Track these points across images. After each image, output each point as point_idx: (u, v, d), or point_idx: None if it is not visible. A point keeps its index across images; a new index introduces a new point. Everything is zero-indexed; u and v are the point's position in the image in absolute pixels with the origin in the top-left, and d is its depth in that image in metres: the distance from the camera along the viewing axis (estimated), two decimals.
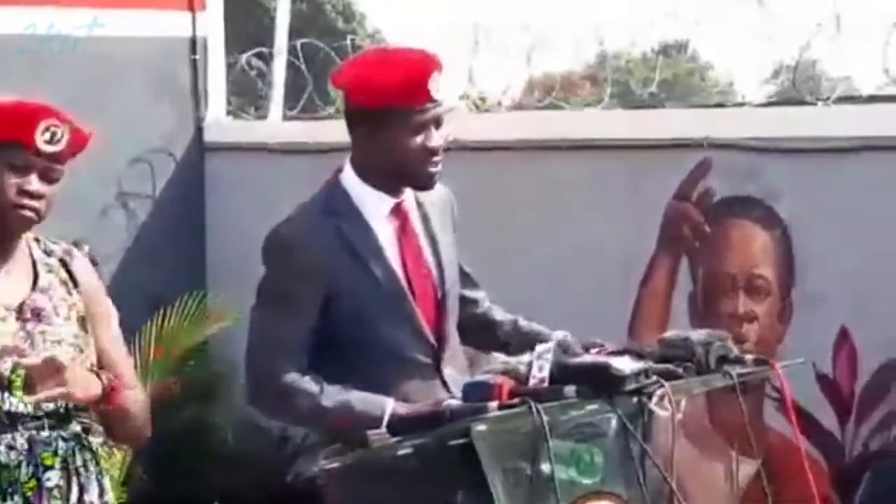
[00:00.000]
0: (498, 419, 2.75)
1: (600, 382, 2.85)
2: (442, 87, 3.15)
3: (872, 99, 5.09)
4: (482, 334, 3.38)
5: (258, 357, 3.17)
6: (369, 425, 2.92)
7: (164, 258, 7.47)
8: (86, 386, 2.91)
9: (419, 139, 3.13)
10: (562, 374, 2.86)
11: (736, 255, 5.19)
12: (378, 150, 3.16)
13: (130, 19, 7.48)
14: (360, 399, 3.06)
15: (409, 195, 3.25)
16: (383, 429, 2.89)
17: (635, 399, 2.88)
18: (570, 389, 2.81)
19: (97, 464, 3.04)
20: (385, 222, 3.21)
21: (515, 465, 2.80)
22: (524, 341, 3.20)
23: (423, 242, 3.27)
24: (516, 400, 2.78)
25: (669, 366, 2.96)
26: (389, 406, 3.02)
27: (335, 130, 7.21)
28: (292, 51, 7.93)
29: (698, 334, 3.05)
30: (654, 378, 2.89)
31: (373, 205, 3.21)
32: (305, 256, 3.13)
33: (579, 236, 5.73)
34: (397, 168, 3.17)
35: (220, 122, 7.96)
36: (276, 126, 7.88)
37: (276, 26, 8.29)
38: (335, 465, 2.89)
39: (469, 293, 3.40)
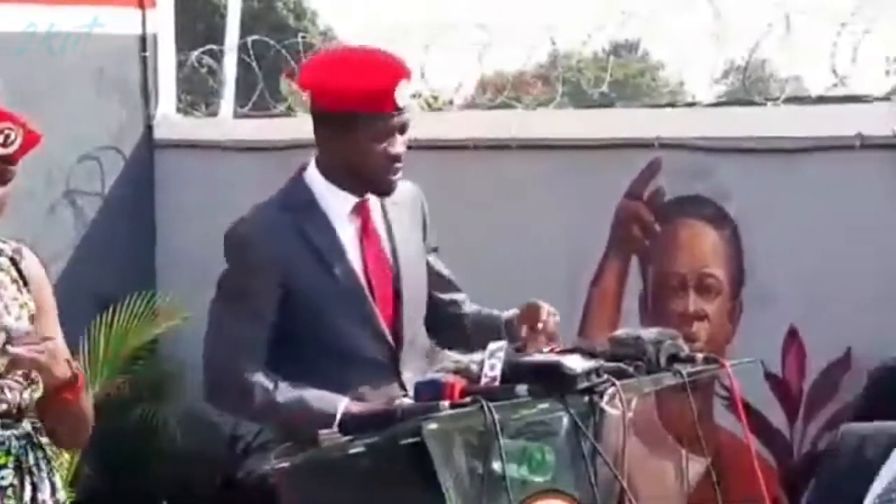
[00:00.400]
0: (449, 418, 2.75)
1: (552, 381, 2.86)
2: (406, 94, 3.16)
3: (821, 100, 5.12)
4: (456, 334, 3.38)
5: (215, 353, 3.16)
6: (323, 423, 2.92)
7: (114, 256, 7.43)
8: (60, 365, 2.89)
9: (382, 146, 3.15)
10: (513, 372, 2.86)
11: (686, 255, 5.22)
12: (341, 153, 3.17)
13: (80, 16, 7.43)
14: (315, 397, 3.06)
15: (369, 197, 3.26)
16: (335, 428, 2.89)
17: (586, 398, 2.89)
18: (521, 388, 2.81)
19: (48, 462, 3.04)
20: (347, 221, 3.23)
21: (467, 463, 2.80)
22: (479, 330, 3.24)
23: (385, 242, 3.28)
24: (468, 399, 2.78)
25: (620, 364, 2.97)
26: (343, 404, 3.03)
27: (286, 128, 7.25)
28: (243, 48, 7.90)
29: (649, 333, 3.06)
30: (605, 377, 2.90)
31: (335, 203, 3.22)
32: (263, 253, 3.14)
33: (530, 235, 5.74)
34: (358, 173, 3.18)
35: (170, 120, 7.92)
36: (226, 123, 7.85)
37: (226, 23, 8.25)
38: (286, 464, 2.87)
39: (446, 296, 3.41)
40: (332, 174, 3.21)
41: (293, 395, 3.08)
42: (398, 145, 3.16)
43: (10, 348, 2.83)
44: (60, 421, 3.03)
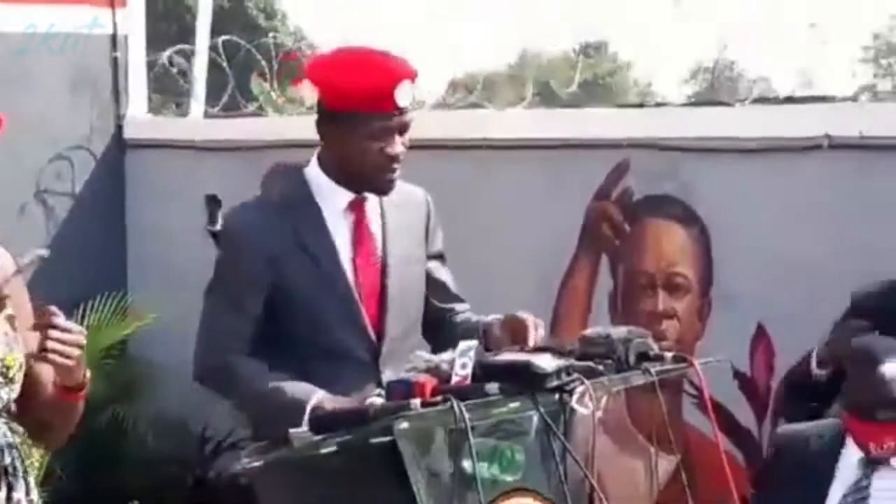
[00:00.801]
0: (420, 417, 2.75)
1: (522, 380, 2.87)
2: (409, 95, 3.20)
3: (789, 100, 5.15)
4: (445, 341, 3.39)
5: (203, 336, 3.26)
6: (293, 413, 2.96)
7: (84, 257, 7.39)
8: (81, 366, 2.89)
9: (380, 145, 3.19)
10: (484, 372, 2.87)
11: (655, 254, 5.23)
12: (340, 150, 3.21)
13: (50, 15, 7.40)
14: (292, 387, 3.10)
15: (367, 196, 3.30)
16: (305, 421, 2.92)
17: (556, 397, 2.90)
18: (492, 387, 2.82)
19: (22, 462, 3.03)
20: (341, 217, 3.27)
21: (437, 462, 2.80)
22: (463, 337, 3.27)
23: (378, 241, 3.31)
24: (439, 398, 2.79)
25: (590, 363, 2.98)
26: (316, 396, 3.05)
27: (257, 128, 7.24)
28: (214, 48, 7.89)
29: (618, 331, 3.07)
30: (575, 375, 2.91)
31: (331, 198, 3.25)
32: (253, 246, 3.19)
33: (500, 235, 5.75)
34: (356, 171, 3.22)
35: (140, 120, 7.89)
36: (197, 123, 7.82)
37: (197, 23, 8.23)
38: (257, 463, 2.88)
39: (444, 304, 3.44)
40: (331, 171, 3.25)
41: (273, 385, 3.11)
42: (397, 145, 3.20)
43: (50, 344, 2.79)
44: (58, 417, 3.02)
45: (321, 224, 3.23)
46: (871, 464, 3.34)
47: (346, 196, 3.26)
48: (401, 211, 3.36)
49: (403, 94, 3.18)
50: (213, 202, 6.50)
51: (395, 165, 3.22)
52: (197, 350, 3.29)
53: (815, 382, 3.60)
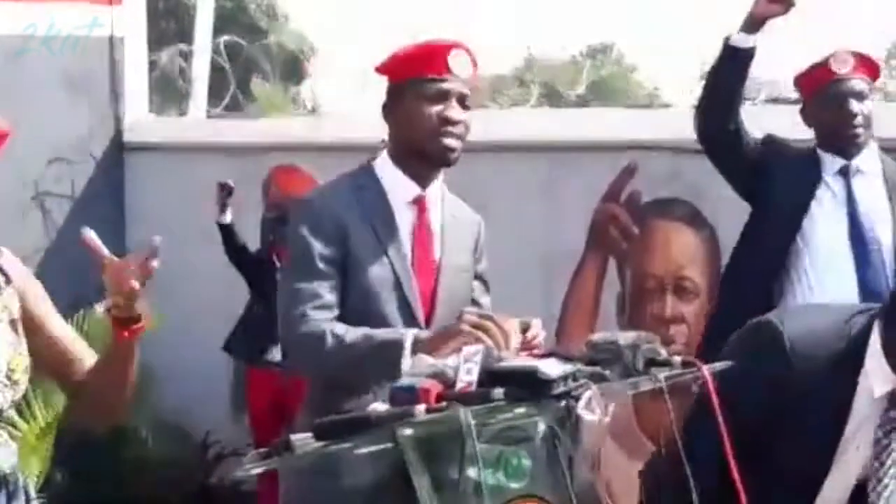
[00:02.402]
0: (425, 423, 2.72)
1: (528, 386, 2.83)
2: (465, 65, 3.21)
3: (798, 102, 5.12)
4: None
5: (288, 309, 3.19)
6: (392, 353, 3.00)
7: (84, 260, 7.33)
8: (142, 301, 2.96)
9: (435, 108, 3.20)
10: (489, 377, 2.84)
11: (663, 257, 5.21)
12: (401, 123, 3.25)
13: (49, 16, 7.38)
14: (383, 331, 3.13)
15: (435, 193, 3.33)
16: (407, 358, 2.98)
17: (563, 402, 2.87)
18: (497, 393, 2.79)
19: (22, 470, 3.01)
20: (405, 208, 3.28)
21: (442, 469, 2.77)
22: None
23: (436, 241, 3.32)
24: (443, 403, 2.75)
25: (597, 368, 2.94)
26: (411, 333, 3.09)
27: (259, 129, 7.20)
28: (215, 49, 7.88)
29: (626, 336, 3.04)
30: (582, 381, 2.87)
31: (398, 189, 3.27)
32: (328, 219, 3.19)
33: (506, 237, 5.72)
34: (415, 138, 3.22)
35: (140, 121, 7.87)
36: (198, 124, 7.81)
37: (197, 24, 8.23)
38: (259, 469, 2.84)
39: None
40: (397, 156, 3.27)
41: (362, 333, 3.11)
42: (454, 109, 3.21)
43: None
44: (126, 364, 3.04)
45: (388, 209, 3.26)
46: None
47: (412, 189, 3.28)
48: (457, 221, 3.41)
49: (458, 62, 3.21)
50: (224, 190, 6.49)
51: (454, 130, 3.23)
52: (281, 327, 3.24)
53: None
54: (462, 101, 3.24)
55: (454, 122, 3.22)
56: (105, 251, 2.96)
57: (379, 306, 3.21)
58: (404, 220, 3.27)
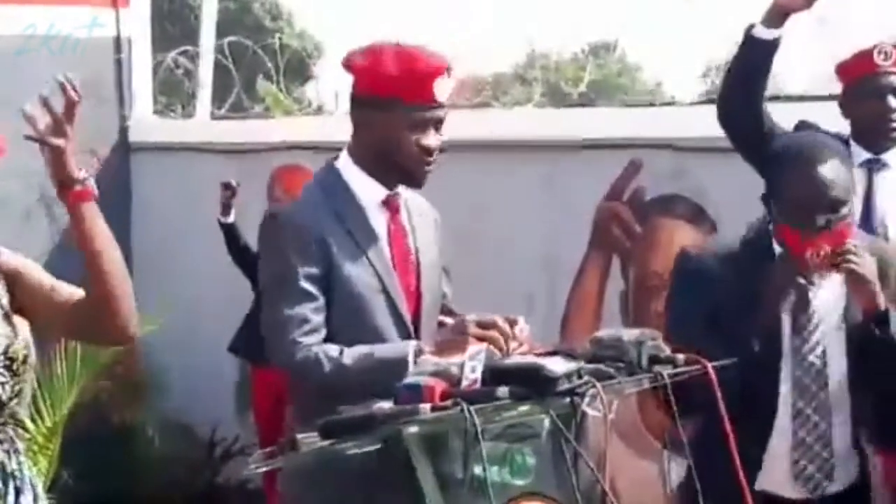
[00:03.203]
0: (430, 421, 2.73)
1: (533, 383, 2.84)
2: (447, 89, 3.20)
3: (800, 98, 5.12)
4: None
5: (277, 336, 3.16)
6: (396, 369, 2.97)
7: None
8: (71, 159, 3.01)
9: (417, 136, 3.19)
10: (494, 375, 2.85)
11: (666, 254, 5.19)
12: (375, 140, 3.21)
13: (54, 16, 7.39)
14: (382, 348, 3.11)
15: (401, 191, 3.30)
16: (412, 368, 2.95)
17: (567, 400, 2.87)
18: (502, 391, 2.80)
19: (29, 468, 3.02)
20: (377, 210, 3.26)
21: (447, 466, 2.78)
22: None
23: (411, 240, 3.31)
24: (448, 402, 2.76)
25: (601, 366, 2.95)
26: (412, 346, 3.08)
27: (263, 130, 7.21)
28: (219, 49, 7.88)
29: (630, 334, 3.04)
30: (586, 378, 2.88)
31: (368, 193, 3.25)
32: (306, 236, 3.16)
33: (510, 236, 5.73)
34: (391, 162, 3.21)
35: (145, 122, 7.88)
36: (203, 125, 7.82)
37: (202, 25, 8.23)
38: (266, 468, 2.85)
39: (441, 317, 3.42)
40: (364, 162, 3.24)
41: (360, 352, 3.10)
42: (432, 137, 3.21)
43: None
44: (88, 237, 3.06)
45: (362, 214, 3.24)
46: (807, 276, 3.33)
47: (382, 191, 3.26)
48: (423, 219, 3.38)
49: (442, 88, 3.20)
50: (227, 190, 6.50)
51: (430, 158, 3.23)
52: (272, 355, 3.20)
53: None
54: (439, 126, 3.23)
55: (432, 151, 3.22)
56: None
57: (366, 312, 3.19)
58: (378, 222, 3.26)
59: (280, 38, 7.95)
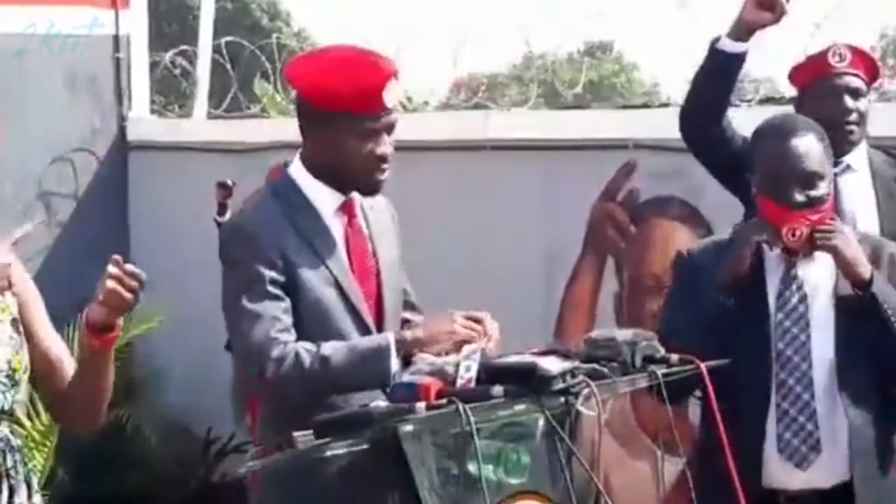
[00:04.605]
0: (425, 420, 2.74)
1: (527, 382, 2.86)
2: (397, 93, 3.17)
3: (794, 100, 5.13)
4: None
5: (249, 339, 3.12)
6: (378, 359, 3.00)
7: (87, 258, 7.36)
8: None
9: (369, 146, 3.16)
10: (489, 374, 2.86)
11: (661, 255, 5.21)
12: (328, 151, 3.18)
13: (52, 16, 7.39)
14: (362, 340, 3.12)
15: (356, 195, 3.28)
16: (394, 361, 2.97)
17: (562, 399, 2.89)
18: (497, 390, 2.81)
19: (24, 465, 3.02)
20: (334, 217, 3.24)
21: (443, 465, 2.79)
22: None
23: (368, 242, 3.29)
24: (444, 401, 2.77)
25: (596, 365, 2.96)
26: (391, 335, 3.09)
27: (260, 129, 7.22)
28: (217, 49, 7.89)
29: (624, 334, 3.06)
30: (581, 378, 2.89)
31: (323, 199, 3.23)
32: (269, 245, 3.15)
33: (505, 236, 5.74)
34: (346, 172, 3.19)
35: (143, 121, 7.89)
36: (200, 125, 7.83)
37: (199, 24, 8.24)
38: (261, 465, 2.86)
39: (402, 313, 3.41)
40: (318, 172, 3.22)
41: (339, 346, 3.09)
42: (385, 145, 3.18)
43: (109, 284, 2.89)
44: (99, 373, 3.01)
45: (321, 224, 3.22)
46: (790, 254, 3.39)
47: (337, 198, 3.24)
48: (376, 214, 3.35)
49: (392, 95, 3.16)
50: (223, 189, 6.51)
51: (385, 166, 3.20)
52: (247, 356, 3.17)
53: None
54: (391, 131, 3.20)
55: (386, 159, 3.19)
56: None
57: (328, 318, 3.17)
58: (335, 228, 3.24)
59: (278, 38, 7.96)
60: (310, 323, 3.15)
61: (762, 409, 3.38)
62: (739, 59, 3.99)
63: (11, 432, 3.03)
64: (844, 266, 3.36)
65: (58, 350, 3.08)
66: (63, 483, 6.54)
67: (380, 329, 3.24)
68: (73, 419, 3.15)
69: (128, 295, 2.91)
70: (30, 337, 3.02)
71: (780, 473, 3.38)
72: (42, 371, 3.02)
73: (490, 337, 3.11)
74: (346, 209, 3.25)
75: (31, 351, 3.01)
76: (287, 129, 6.91)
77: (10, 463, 2.97)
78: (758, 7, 3.92)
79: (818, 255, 3.40)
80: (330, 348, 3.09)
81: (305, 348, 3.09)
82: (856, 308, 3.36)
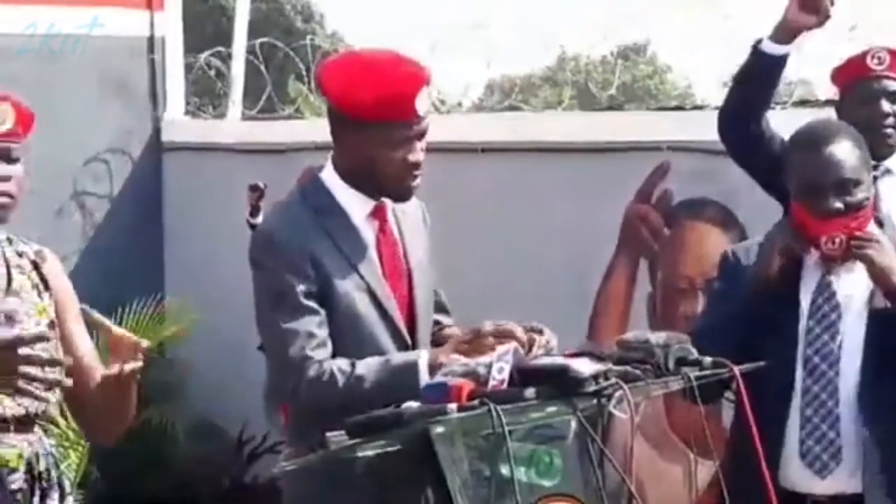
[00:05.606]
0: (457, 421, 2.74)
1: (560, 384, 2.85)
2: (428, 101, 3.16)
3: (829, 102, 5.11)
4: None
5: (284, 355, 3.11)
6: (410, 379, 2.97)
7: (122, 259, 7.43)
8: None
9: (401, 153, 3.15)
10: (521, 376, 2.86)
11: (694, 257, 5.20)
12: (359, 158, 3.17)
13: (88, 18, 7.43)
14: (396, 357, 3.10)
15: (386, 203, 3.27)
16: (425, 375, 2.96)
17: (594, 401, 2.88)
18: (529, 391, 2.80)
19: (57, 467, 3.04)
20: (366, 223, 3.23)
21: (475, 466, 2.79)
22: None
23: (399, 247, 3.29)
24: (476, 402, 2.77)
25: (628, 368, 2.96)
26: (424, 353, 3.07)
27: (294, 131, 7.24)
28: (251, 51, 7.91)
29: (657, 336, 3.04)
30: (613, 380, 2.89)
31: (355, 205, 3.22)
32: (299, 254, 3.13)
33: (538, 238, 5.74)
34: (377, 179, 3.18)
35: (178, 122, 7.92)
36: (234, 126, 7.85)
37: (234, 26, 8.26)
38: (295, 466, 2.87)
39: (434, 315, 3.41)
40: (349, 177, 3.21)
41: (374, 363, 3.08)
42: (417, 152, 3.16)
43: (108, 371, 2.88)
44: (121, 399, 3.02)
45: (353, 229, 3.21)
46: (828, 261, 3.37)
47: (368, 203, 3.23)
48: (407, 217, 3.34)
49: (423, 102, 3.14)
50: (255, 191, 6.54)
51: (417, 172, 3.19)
52: (280, 372, 3.18)
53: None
54: (423, 138, 3.18)
55: (418, 166, 3.18)
56: (107, 323, 2.95)
57: (361, 324, 3.16)
58: (367, 233, 3.23)
59: (311, 40, 7.97)
60: (341, 328, 3.15)
61: (782, 413, 3.37)
62: (781, 61, 3.97)
63: (45, 432, 3.05)
64: (877, 275, 3.33)
65: (89, 359, 3.08)
66: (97, 483, 6.57)
67: (411, 332, 3.24)
68: (93, 429, 3.17)
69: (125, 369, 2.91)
70: (65, 344, 3.04)
71: (801, 479, 3.37)
72: (74, 376, 3.00)
73: (525, 346, 3.09)
74: (378, 214, 3.25)
75: (66, 355, 3.00)
76: (321, 130, 6.91)
77: (42, 466, 2.99)
78: (801, 9, 3.90)
79: (857, 263, 3.38)
80: (364, 367, 3.07)
81: (340, 368, 3.07)
82: (890, 321, 3.33)
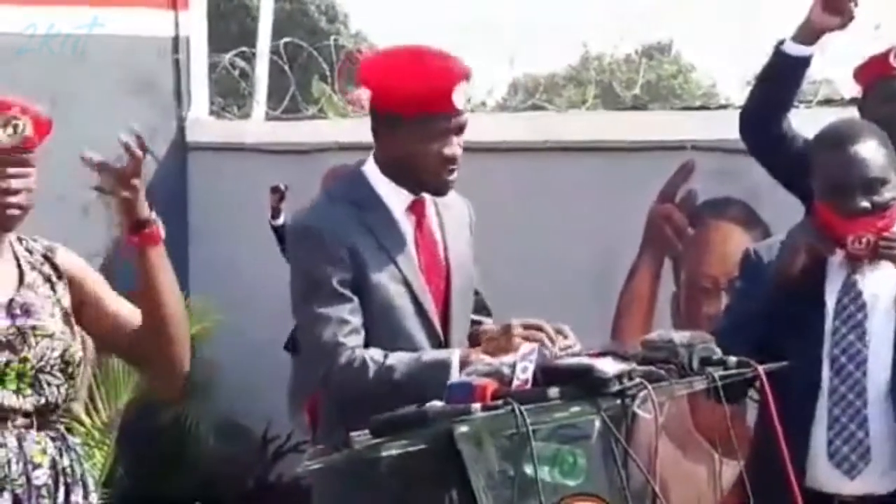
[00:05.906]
0: (481, 420, 2.74)
1: (584, 384, 2.85)
2: (465, 95, 3.18)
3: (853, 101, 5.10)
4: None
5: (318, 342, 3.14)
6: (440, 374, 2.97)
7: None
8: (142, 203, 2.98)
9: (439, 147, 3.17)
10: (546, 375, 2.85)
11: (718, 257, 5.20)
12: (397, 152, 3.20)
13: (113, 18, 7.46)
14: (427, 353, 3.11)
15: (426, 197, 3.29)
16: (456, 374, 2.95)
17: (618, 401, 2.88)
18: (553, 391, 2.80)
19: (81, 464, 3.05)
20: (404, 217, 3.25)
21: (498, 466, 2.79)
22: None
23: (438, 242, 3.30)
24: (500, 401, 2.77)
25: (652, 368, 2.95)
26: (456, 351, 3.08)
27: (318, 131, 7.25)
28: (275, 51, 7.93)
29: (681, 336, 3.04)
30: (638, 380, 2.88)
31: (394, 199, 3.25)
32: (336, 244, 3.15)
33: (562, 238, 5.74)
34: (414, 172, 3.21)
35: (202, 122, 7.94)
36: (258, 126, 7.87)
37: (258, 26, 8.28)
38: (319, 465, 2.88)
39: (474, 315, 3.41)
40: (389, 171, 3.24)
41: (406, 357, 3.09)
42: (454, 146, 3.19)
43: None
44: (155, 283, 3.03)
45: (393, 222, 3.23)
46: (854, 261, 3.35)
47: (407, 197, 3.26)
48: (450, 212, 3.36)
49: (461, 96, 3.17)
50: (276, 193, 6.55)
51: (454, 167, 3.22)
52: (314, 359, 3.19)
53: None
54: (461, 133, 3.21)
55: (455, 160, 3.21)
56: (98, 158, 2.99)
57: (395, 316, 3.18)
58: (406, 227, 3.25)
59: (335, 40, 7.98)
60: (375, 318, 3.17)
61: (808, 413, 3.36)
62: (805, 62, 3.95)
63: (69, 430, 3.06)
64: None
65: (125, 314, 3.10)
66: (122, 481, 6.59)
67: (445, 329, 3.25)
68: (154, 367, 3.13)
69: (123, 192, 2.96)
70: (107, 315, 3.07)
71: (829, 479, 3.36)
72: (125, 341, 3.07)
73: (554, 340, 3.09)
74: (416, 208, 3.27)
75: (112, 327, 3.05)
76: (345, 130, 6.97)
77: (66, 462, 3.01)
78: (825, 10, 3.88)
79: (883, 263, 3.36)
80: (395, 359, 3.09)
81: (372, 357, 3.09)
82: None
